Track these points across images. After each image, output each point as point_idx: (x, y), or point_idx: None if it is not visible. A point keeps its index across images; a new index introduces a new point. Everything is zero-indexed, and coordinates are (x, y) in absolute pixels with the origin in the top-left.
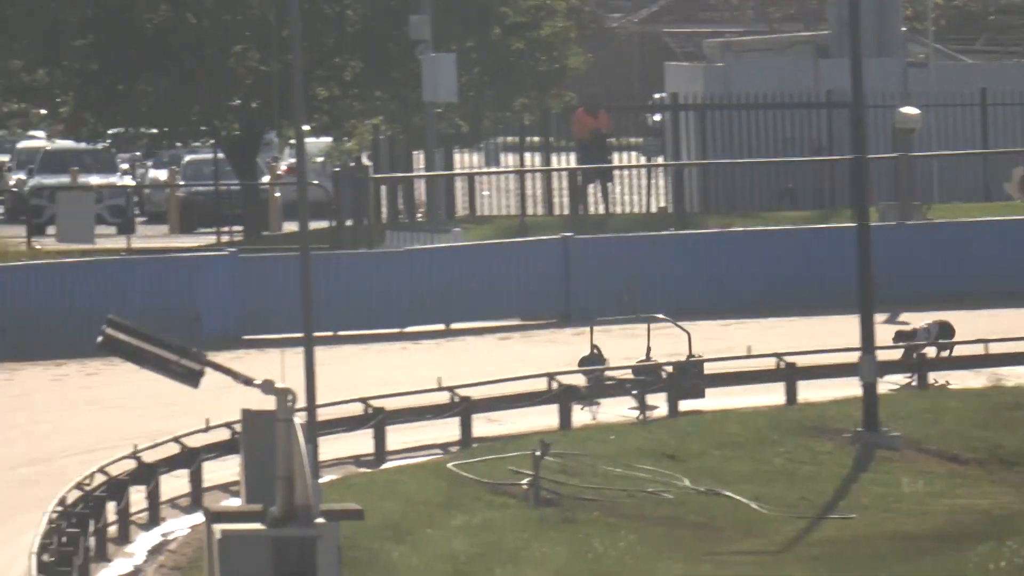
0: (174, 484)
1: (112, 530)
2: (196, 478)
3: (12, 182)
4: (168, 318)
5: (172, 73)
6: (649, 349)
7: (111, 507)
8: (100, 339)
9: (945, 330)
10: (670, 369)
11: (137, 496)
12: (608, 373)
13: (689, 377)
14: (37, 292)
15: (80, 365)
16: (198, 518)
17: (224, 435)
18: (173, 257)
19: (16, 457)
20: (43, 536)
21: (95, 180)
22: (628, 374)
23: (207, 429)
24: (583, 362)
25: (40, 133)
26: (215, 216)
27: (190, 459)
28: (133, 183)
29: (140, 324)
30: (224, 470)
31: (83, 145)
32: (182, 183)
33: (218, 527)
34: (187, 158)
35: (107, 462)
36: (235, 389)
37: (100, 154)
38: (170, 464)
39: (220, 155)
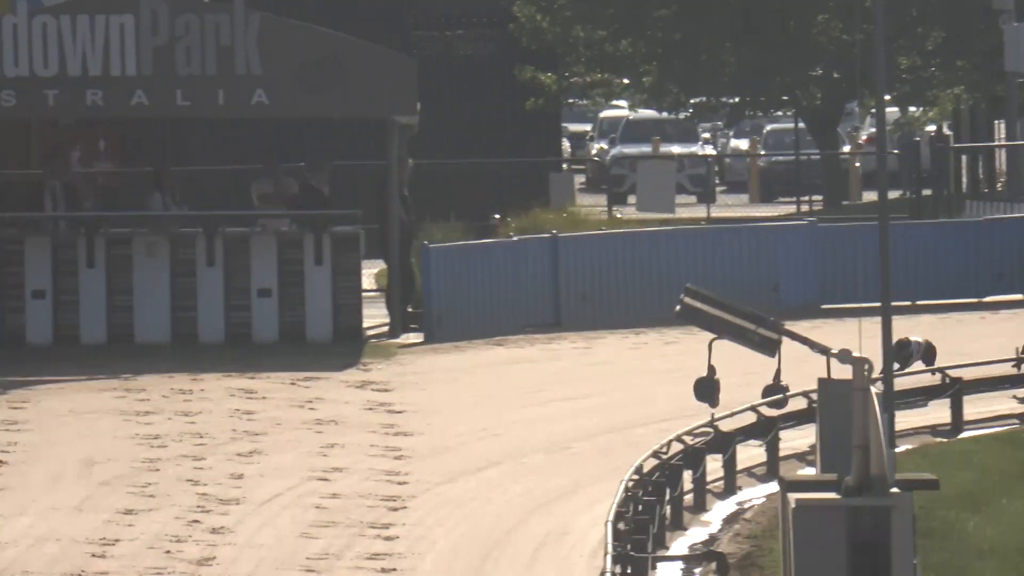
0: (750, 453)
1: (688, 499)
2: (772, 447)
3: (594, 151)
4: (747, 287)
5: (755, 43)
6: None
7: (687, 476)
8: (678, 308)
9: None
10: None
11: (713, 465)
12: None
13: None
14: (617, 261)
15: (658, 334)
16: (773, 487)
17: (801, 404)
18: (752, 227)
19: (593, 426)
20: (619, 504)
21: (676, 149)
22: None
23: (782, 398)
24: None
25: (622, 103)
26: (795, 186)
27: (766, 428)
28: (714, 153)
29: (718, 293)
30: (800, 439)
31: (664, 115)
32: (763, 152)
33: (793, 496)
34: (768, 128)
35: (684, 431)
36: (811, 359)
37: (681, 124)
38: (746, 433)
39: (800, 124)
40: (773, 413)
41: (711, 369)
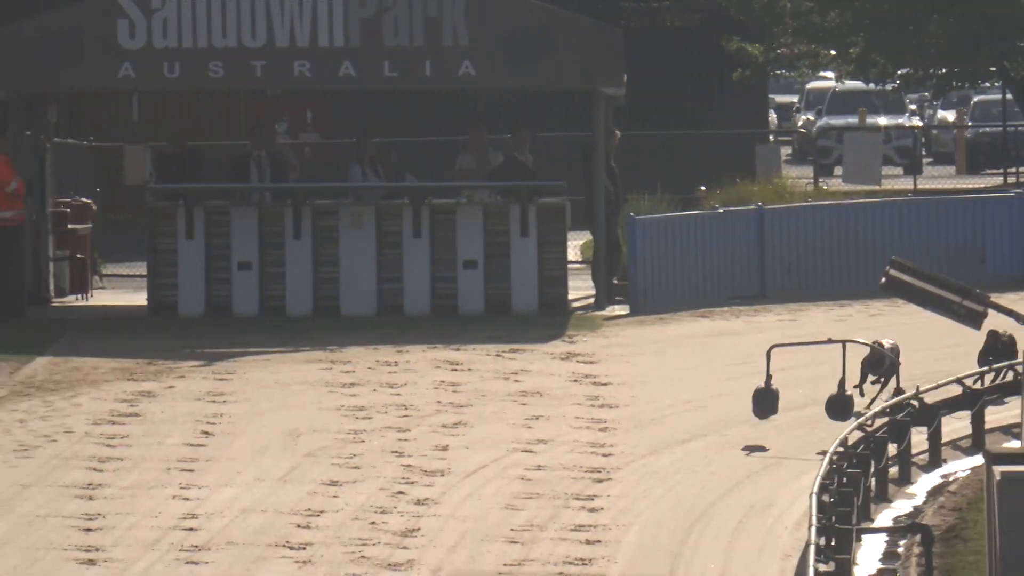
0: (955, 425)
1: (893, 471)
2: (978, 420)
3: (800, 123)
4: (952, 259)
5: (962, 13)
6: None
7: (892, 448)
8: (883, 280)
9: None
10: None
11: (918, 438)
12: None
13: None
14: (823, 232)
15: (863, 306)
16: (978, 460)
17: (1008, 377)
18: (958, 198)
19: (798, 398)
20: (823, 476)
21: (883, 121)
22: None
23: (991, 370)
24: None
25: (829, 74)
26: (1002, 157)
27: (972, 400)
28: (920, 124)
29: (923, 265)
30: (1006, 412)
31: (871, 86)
32: (969, 124)
33: (998, 468)
34: (975, 99)
35: (889, 403)
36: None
37: (888, 95)
38: (951, 405)
39: (1008, 95)
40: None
41: (769, 378)
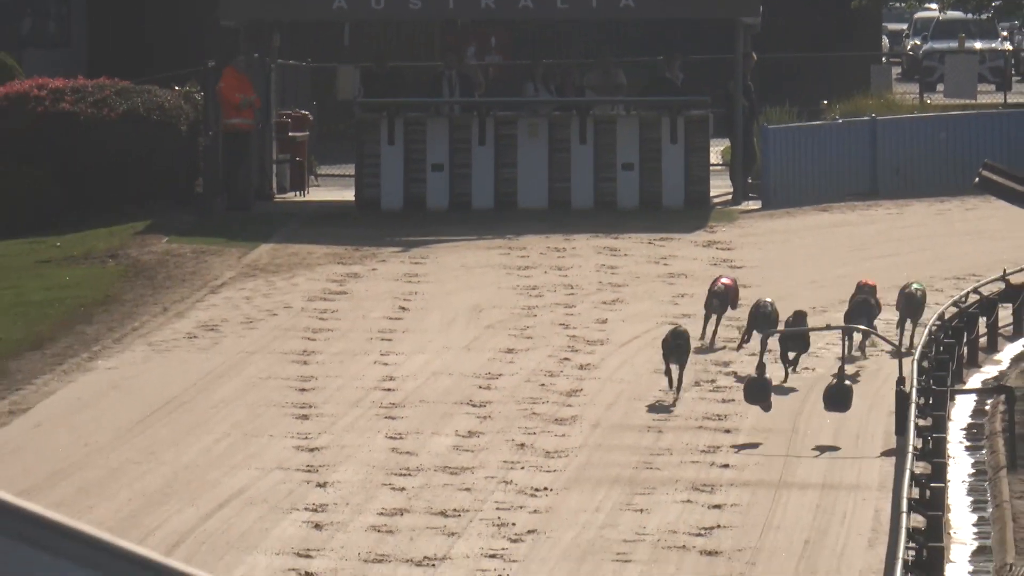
0: None
1: (982, 341)
2: None
3: (908, 47)
4: None
5: None
6: None
7: (982, 322)
8: (976, 180)
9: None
10: None
11: (1004, 312)
12: None
13: None
14: (926, 140)
15: (960, 202)
16: None
17: None
18: None
19: (904, 278)
20: (923, 346)
21: (978, 45)
22: None
23: None
24: None
25: (933, 5)
26: None
27: None
28: (1011, 47)
29: (1012, 167)
30: None
31: (969, 15)
32: None
33: None
34: None
35: (980, 283)
36: None
37: (983, 23)
38: None
39: None
40: None
41: (761, 367)
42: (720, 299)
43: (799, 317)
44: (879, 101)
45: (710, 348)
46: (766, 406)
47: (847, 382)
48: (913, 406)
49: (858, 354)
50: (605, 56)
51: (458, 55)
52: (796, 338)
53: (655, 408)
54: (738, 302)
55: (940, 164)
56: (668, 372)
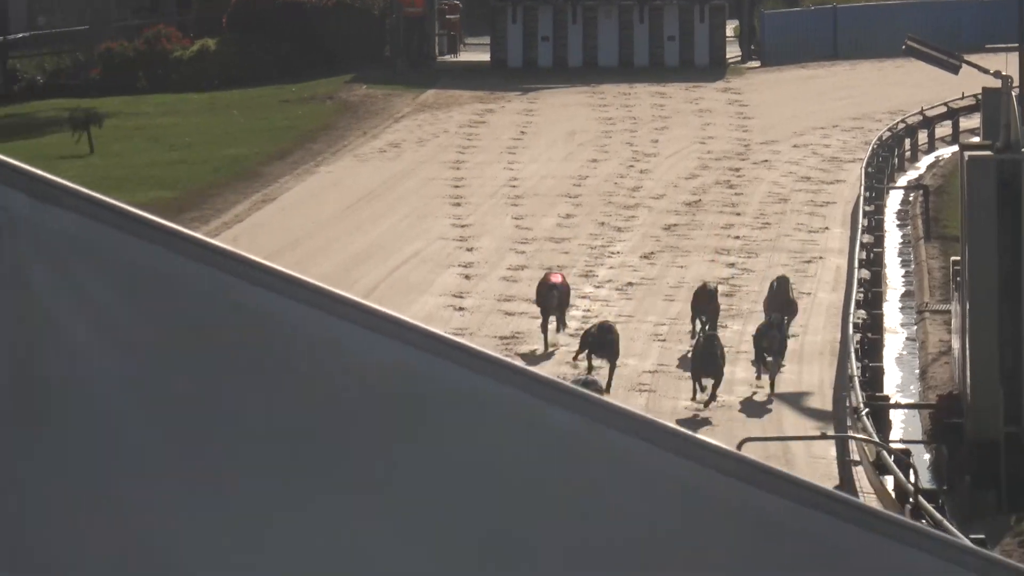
0: (944, 130)
1: (907, 155)
2: (955, 126)
3: None
4: None
5: None
6: None
7: (907, 142)
8: (903, 47)
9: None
10: None
11: (922, 135)
12: None
13: None
14: (869, 21)
15: (892, 62)
16: (955, 148)
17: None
18: None
19: (855, 111)
20: (868, 159)
21: None
22: None
23: (965, 96)
24: None
25: None
26: None
27: (952, 114)
28: None
29: (927, 40)
30: (973, 122)
31: None
32: None
33: (967, 153)
34: None
35: (906, 115)
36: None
37: None
38: (941, 117)
39: None
40: (958, 105)
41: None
42: (559, 292)
43: (783, 283)
44: None
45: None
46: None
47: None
48: (862, 198)
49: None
50: None
51: None
52: (606, 346)
53: (690, 203)
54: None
55: (879, 36)
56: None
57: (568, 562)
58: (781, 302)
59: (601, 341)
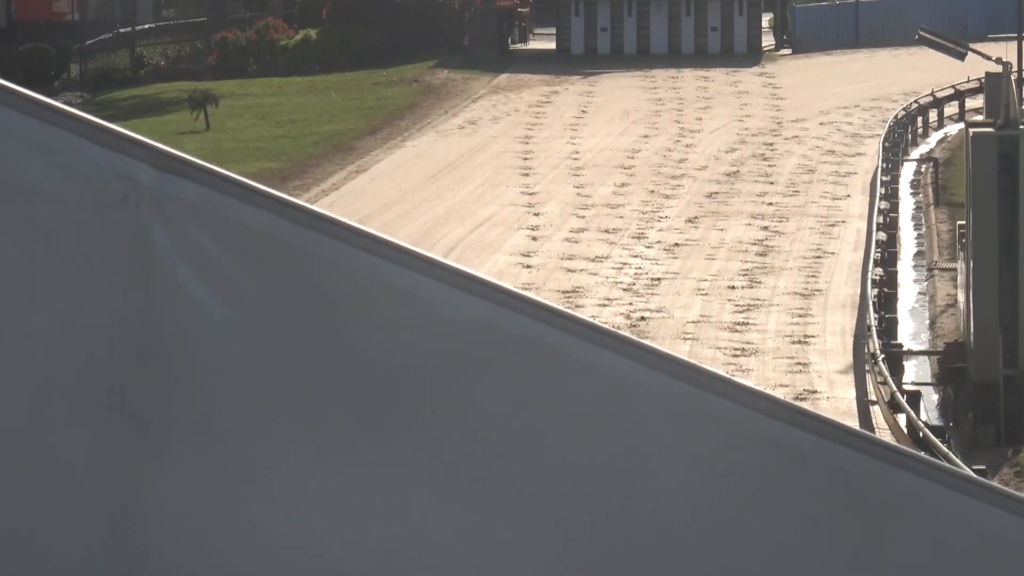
0: (951, 109)
1: (920, 131)
2: (962, 106)
3: None
4: None
5: None
6: None
7: (920, 120)
8: (917, 36)
9: None
10: None
11: (932, 113)
12: None
13: None
14: (886, 13)
15: (907, 50)
16: (962, 126)
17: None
18: None
19: (875, 93)
20: (885, 134)
21: None
22: None
23: (970, 80)
24: None
25: None
26: None
27: (959, 95)
28: None
29: (938, 30)
30: (977, 102)
31: None
32: None
33: (971, 129)
34: None
35: (919, 96)
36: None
37: None
38: (949, 98)
39: None
40: (964, 88)
41: None
42: None
43: None
44: None
45: None
46: None
47: None
48: (879, 169)
49: None
50: None
51: None
52: None
53: (729, 173)
54: None
55: (895, 27)
56: None
57: (620, 489)
58: None
59: None
